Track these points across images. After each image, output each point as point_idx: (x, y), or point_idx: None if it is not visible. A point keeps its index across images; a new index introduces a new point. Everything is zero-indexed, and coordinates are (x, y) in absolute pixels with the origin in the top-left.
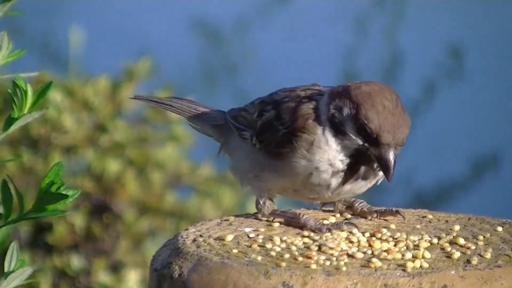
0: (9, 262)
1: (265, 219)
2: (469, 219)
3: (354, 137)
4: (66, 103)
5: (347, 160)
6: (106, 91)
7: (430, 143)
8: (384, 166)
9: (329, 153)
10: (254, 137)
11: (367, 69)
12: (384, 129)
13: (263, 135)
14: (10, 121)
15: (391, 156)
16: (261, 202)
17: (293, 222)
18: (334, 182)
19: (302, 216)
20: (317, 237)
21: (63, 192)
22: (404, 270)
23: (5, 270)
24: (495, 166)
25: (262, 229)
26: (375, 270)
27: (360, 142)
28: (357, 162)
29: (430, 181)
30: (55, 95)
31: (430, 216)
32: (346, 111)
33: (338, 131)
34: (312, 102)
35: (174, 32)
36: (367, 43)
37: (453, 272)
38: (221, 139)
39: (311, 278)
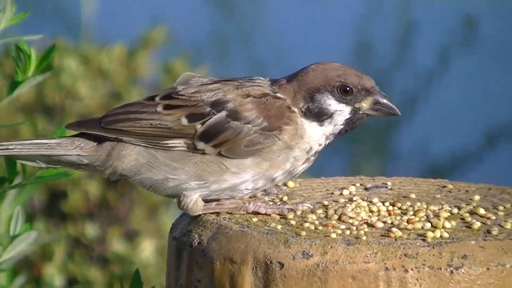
0: (15, 226)
1: (276, 191)
2: (489, 189)
3: (341, 108)
4: (81, 71)
5: (326, 142)
6: (121, 59)
7: (444, 112)
8: (386, 105)
9: (309, 141)
10: (200, 143)
11: (381, 37)
12: (361, 78)
13: (216, 138)
14: (14, 85)
15: (383, 93)
16: (189, 201)
17: (237, 212)
18: (301, 168)
19: (249, 203)
20: (337, 207)
21: None
22: (424, 240)
23: (11, 233)
24: (509, 136)
25: (283, 198)
26: (395, 240)
27: (350, 107)
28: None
29: (445, 151)
30: (70, 63)
31: (450, 186)
32: (318, 95)
33: (322, 118)
34: (280, 99)
35: (188, 0)
36: (381, 11)
37: (473, 242)
38: (99, 159)
39: (331, 247)
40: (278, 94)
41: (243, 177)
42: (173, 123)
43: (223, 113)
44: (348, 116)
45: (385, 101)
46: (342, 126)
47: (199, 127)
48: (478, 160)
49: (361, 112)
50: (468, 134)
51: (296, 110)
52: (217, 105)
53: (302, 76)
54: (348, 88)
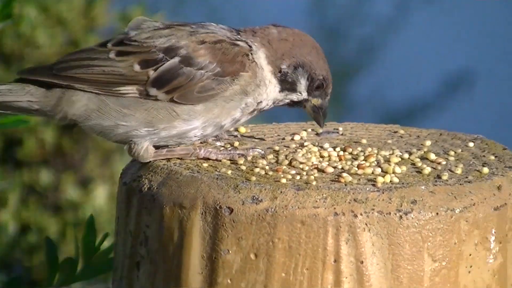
0: None
1: (227, 136)
2: (440, 134)
3: (303, 94)
4: (40, 19)
5: (271, 106)
6: (80, 7)
7: (402, 60)
8: (324, 114)
9: (263, 95)
10: (152, 90)
11: None
12: (330, 82)
13: (168, 85)
14: None
15: (327, 103)
16: (139, 148)
17: (188, 157)
18: (245, 118)
19: (200, 149)
20: (287, 152)
21: None
22: (374, 185)
23: None
24: (467, 85)
25: (234, 144)
26: (345, 185)
27: (306, 98)
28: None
29: (402, 99)
30: (29, 11)
31: (402, 131)
32: (301, 71)
33: (286, 88)
34: (243, 48)
35: None
36: None
37: (423, 187)
38: (49, 104)
39: (281, 192)
40: (238, 42)
41: (193, 124)
42: (126, 70)
43: (176, 59)
44: (297, 101)
45: (325, 111)
46: (286, 103)
47: (151, 73)
48: (437, 109)
49: (305, 105)
50: (426, 83)
51: (263, 66)
52: (170, 51)
53: (298, 43)
54: (321, 87)
